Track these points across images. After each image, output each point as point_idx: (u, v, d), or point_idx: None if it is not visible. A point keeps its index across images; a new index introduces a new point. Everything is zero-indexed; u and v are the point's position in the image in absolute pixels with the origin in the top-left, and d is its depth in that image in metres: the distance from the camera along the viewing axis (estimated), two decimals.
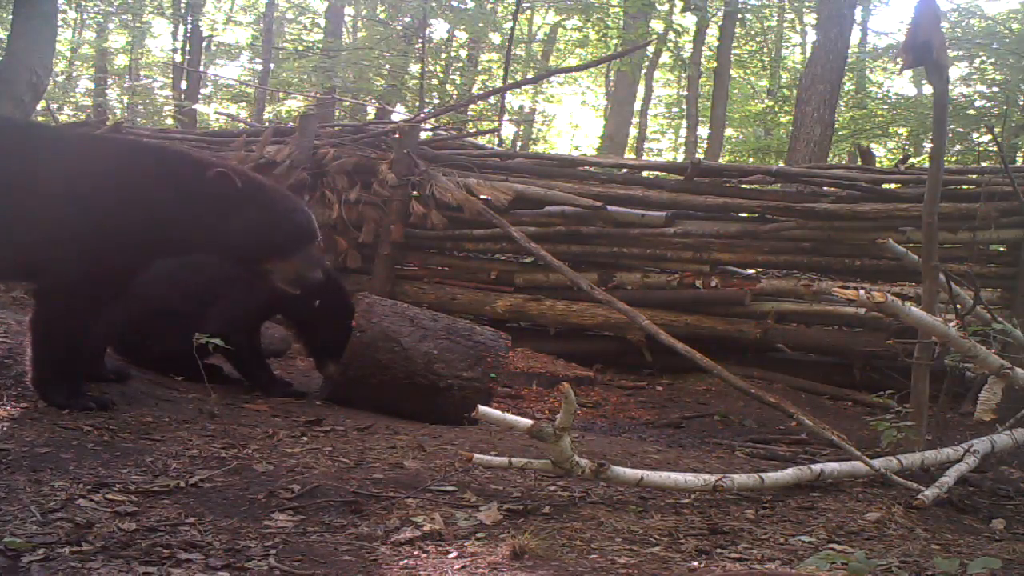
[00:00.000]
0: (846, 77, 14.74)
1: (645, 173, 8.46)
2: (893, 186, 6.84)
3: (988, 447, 3.69)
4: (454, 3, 16.54)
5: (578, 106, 24.01)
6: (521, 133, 20.61)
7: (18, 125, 4.71)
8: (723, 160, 16.56)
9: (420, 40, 16.53)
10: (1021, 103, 13.87)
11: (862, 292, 3.04)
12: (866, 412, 5.66)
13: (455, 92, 17.47)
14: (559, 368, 6.31)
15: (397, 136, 7.39)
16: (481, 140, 9.18)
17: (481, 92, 17.70)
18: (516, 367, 6.04)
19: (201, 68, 18.60)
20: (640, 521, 2.82)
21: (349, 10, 19.87)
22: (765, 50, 22.63)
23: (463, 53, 20.00)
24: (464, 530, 2.60)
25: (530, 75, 18.13)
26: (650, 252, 6.92)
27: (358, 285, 6.57)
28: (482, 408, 2.80)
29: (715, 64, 17.86)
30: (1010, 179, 5.38)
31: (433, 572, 2.24)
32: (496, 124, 12.96)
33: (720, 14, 17.86)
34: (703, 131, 19.27)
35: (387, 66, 16.79)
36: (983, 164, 9.42)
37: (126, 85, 20.52)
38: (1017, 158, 11.91)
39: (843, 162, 13.92)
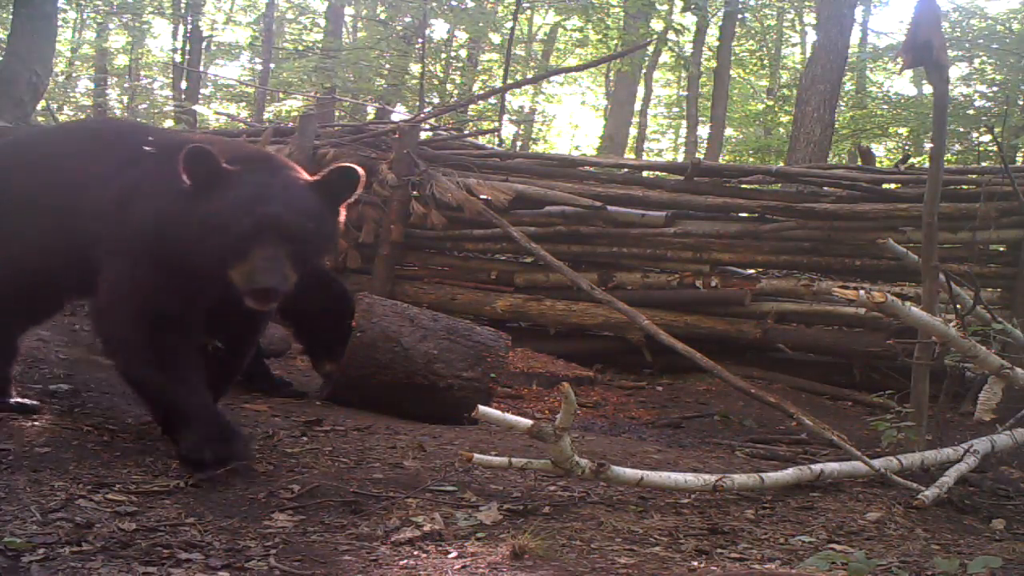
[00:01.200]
0: (846, 77, 14.74)
1: (645, 173, 8.46)
2: (893, 186, 6.84)
3: (988, 447, 3.69)
4: (454, 3, 16.53)
5: (578, 106, 24.03)
6: (521, 133, 20.61)
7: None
8: (723, 160, 16.56)
9: (420, 40, 16.52)
10: (1021, 103, 13.86)
11: (862, 292, 3.05)
12: (866, 412, 5.66)
13: (455, 92, 17.47)
14: (559, 368, 6.30)
15: (397, 136, 7.39)
16: (481, 140, 9.17)
17: (481, 92, 17.70)
18: (516, 367, 6.04)
19: (201, 68, 18.59)
20: (640, 521, 2.82)
21: (349, 10, 19.86)
22: (765, 50, 22.63)
23: (463, 53, 19.99)
24: (464, 530, 2.60)
25: (530, 75, 18.12)
26: (650, 252, 6.92)
27: (358, 285, 6.57)
28: (482, 408, 2.80)
29: (715, 64, 17.87)
30: (1010, 179, 5.38)
31: (433, 572, 2.24)
32: (496, 124, 12.95)
33: (720, 14, 17.86)
34: (703, 131, 19.27)
35: (387, 66, 16.79)
36: (983, 164, 9.42)
37: (126, 85, 20.51)
38: (1017, 158, 11.91)
39: (843, 162, 13.92)
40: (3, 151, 3.74)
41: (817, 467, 3.36)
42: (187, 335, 3.13)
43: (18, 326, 3.62)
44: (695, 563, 2.43)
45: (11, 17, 10.19)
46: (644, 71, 18.77)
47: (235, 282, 2.87)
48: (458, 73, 18.96)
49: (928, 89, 12.79)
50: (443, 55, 18.87)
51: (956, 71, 15.01)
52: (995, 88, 14.86)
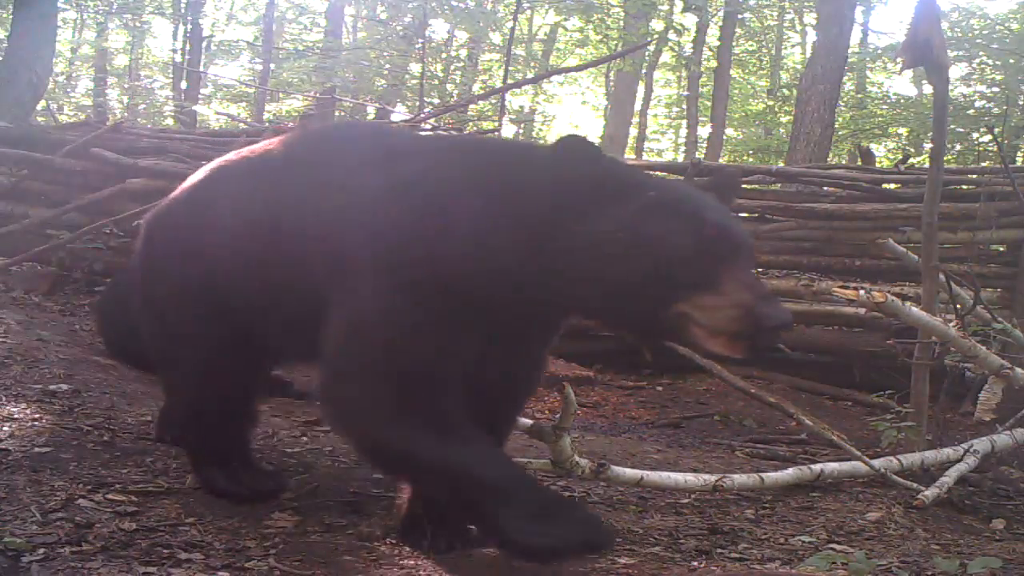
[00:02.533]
0: (846, 77, 14.74)
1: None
2: (893, 186, 6.84)
3: (988, 447, 3.69)
4: (454, 3, 16.54)
5: (578, 106, 24.03)
6: (521, 133, 20.61)
7: None
8: (723, 160, 16.56)
9: (420, 40, 16.53)
10: (1021, 103, 13.86)
11: (862, 292, 3.05)
12: (866, 412, 5.66)
13: (455, 92, 17.47)
14: (559, 368, 6.29)
15: None
16: None
17: (481, 92, 17.70)
18: None
19: (201, 68, 18.60)
20: (640, 521, 2.82)
21: (349, 10, 19.87)
22: (765, 50, 22.64)
23: (463, 53, 20.01)
24: None
25: (530, 75, 18.13)
26: None
27: None
28: None
29: (715, 64, 17.88)
30: (1010, 179, 5.38)
31: (433, 572, 2.24)
32: (496, 124, 12.95)
33: (720, 14, 17.88)
34: (703, 131, 19.28)
35: (387, 66, 16.79)
36: (983, 164, 9.42)
37: (126, 85, 20.52)
38: (1017, 158, 11.91)
39: (843, 162, 13.93)
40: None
41: (817, 467, 3.36)
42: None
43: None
44: (695, 563, 2.43)
45: (11, 17, 10.20)
46: (644, 71, 18.78)
47: (694, 321, 2.04)
48: (458, 73, 18.97)
49: (928, 89, 12.80)
50: (443, 55, 18.88)
51: (956, 71, 15.03)
52: (995, 88, 14.87)
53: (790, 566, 2.44)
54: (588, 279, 2.12)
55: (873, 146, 15.28)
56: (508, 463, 2.25)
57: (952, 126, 13.26)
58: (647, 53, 17.74)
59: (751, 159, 18.67)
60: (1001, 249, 6.49)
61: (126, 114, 18.17)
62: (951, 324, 3.41)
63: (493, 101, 15.75)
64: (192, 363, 2.70)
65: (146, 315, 2.85)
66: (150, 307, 2.83)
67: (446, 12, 16.63)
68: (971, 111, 14.60)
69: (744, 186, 7.23)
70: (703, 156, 15.82)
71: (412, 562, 2.30)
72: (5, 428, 3.08)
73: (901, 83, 20.71)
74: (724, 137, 18.53)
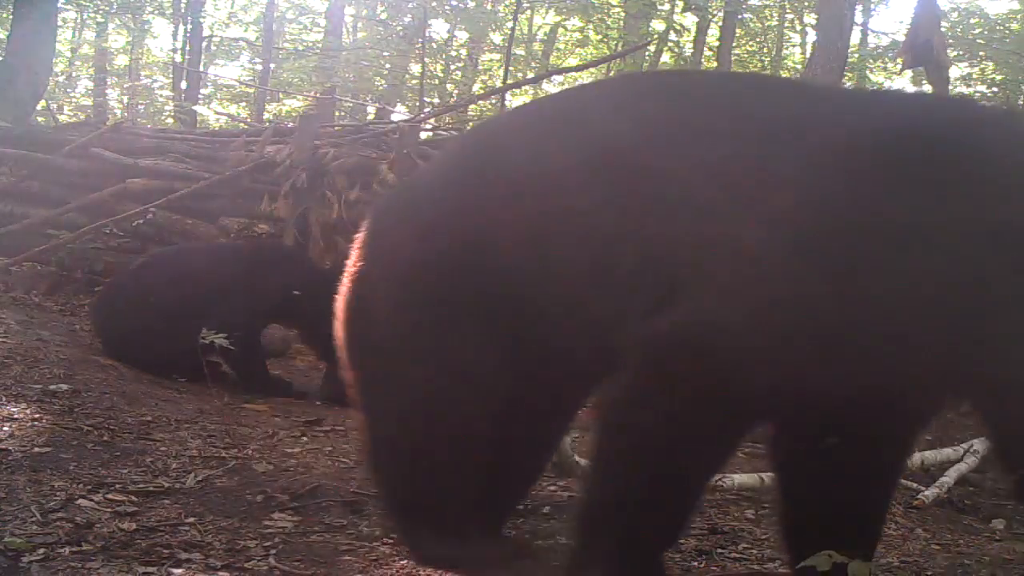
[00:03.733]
0: (846, 77, 14.73)
1: None
2: None
3: (988, 447, 3.69)
4: (454, 3, 16.54)
5: None
6: None
7: None
8: None
9: (420, 40, 16.53)
10: (1021, 103, 13.86)
11: None
12: None
13: (455, 92, 17.46)
14: None
15: (397, 136, 7.39)
16: None
17: (481, 92, 17.69)
18: None
19: (201, 68, 18.60)
20: None
21: (349, 10, 19.87)
22: (765, 50, 22.63)
23: (463, 53, 20.00)
24: None
25: (530, 75, 18.11)
26: None
27: None
28: None
29: (715, 64, 17.88)
30: None
31: (433, 572, 2.24)
32: None
33: (720, 14, 17.89)
34: None
35: (387, 66, 16.79)
36: None
37: (126, 85, 20.51)
38: None
39: None
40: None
41: None
42: None
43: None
44: (695, 563, 2.43)
45: (11, 17, 10.20)
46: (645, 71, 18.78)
47: None
48: (458, 73, 18.97)
49: (928, 89, 12.79)
50: (443, 55, 18.88)
51: (956, 71, 15.01)
52: (995, 88, 14.86)
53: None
54: None
55: None
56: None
57: None
58: (647, 53, 17.72)
59: None
60: None
61: (126, 114, 18.16)
62: None
63: (493, 101, 15.75)
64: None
65: None
66: None
67: (446, 12, 16.63)
68: None
69: None
70: None
71: (412, 562, 2.30)
72: (5, 428, 3.08)
73: (901, 83, 20.69)
74: None
